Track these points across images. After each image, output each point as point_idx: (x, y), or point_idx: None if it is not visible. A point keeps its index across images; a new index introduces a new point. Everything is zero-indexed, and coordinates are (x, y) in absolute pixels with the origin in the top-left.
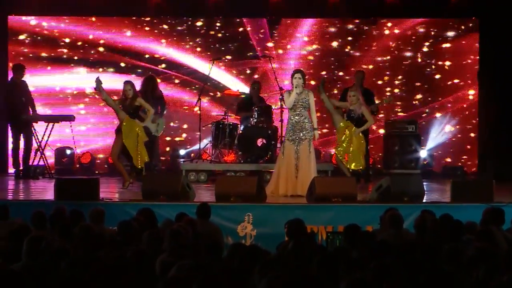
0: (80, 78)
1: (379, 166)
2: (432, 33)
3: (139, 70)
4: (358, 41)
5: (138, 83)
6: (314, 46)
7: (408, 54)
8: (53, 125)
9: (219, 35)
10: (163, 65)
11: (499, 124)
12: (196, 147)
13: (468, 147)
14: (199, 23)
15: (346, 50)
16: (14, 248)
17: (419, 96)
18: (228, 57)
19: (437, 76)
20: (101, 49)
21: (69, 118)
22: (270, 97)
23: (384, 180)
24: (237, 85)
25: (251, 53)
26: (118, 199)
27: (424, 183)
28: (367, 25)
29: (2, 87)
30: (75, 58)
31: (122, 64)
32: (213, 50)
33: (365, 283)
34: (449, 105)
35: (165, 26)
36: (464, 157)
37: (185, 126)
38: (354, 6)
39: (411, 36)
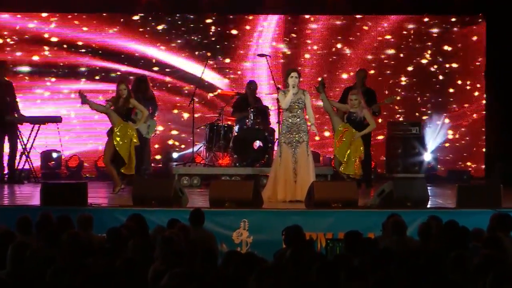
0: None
1: (381, 170)
2: (437, 30)
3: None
4: (358, 38)
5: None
6: (315, 47)
7: (412, 52)
8: (39, 127)
9: (212, 32)
10: (155, 68)
11: (507, 125)
12: (189, 150)
13: (474, 149)
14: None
15: (346, 48)
16: None
17: (422, 97)
18: (226, 59)
19: (441, 77)
20: (83, 50)
21: (56, 120)
22: (267, 97)
23: (387, 185)
24: (232, 85)
25: (259, 54)
26: (107, 205)
27: (429, 188)
28: (367, 21)
29: None
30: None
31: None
32: (207, 49)
33: None
34: (454, 106)
35: (153, 24)
36: (471, 160)
37: (176, 128)
38: (357, 2)
39: (413, 33)
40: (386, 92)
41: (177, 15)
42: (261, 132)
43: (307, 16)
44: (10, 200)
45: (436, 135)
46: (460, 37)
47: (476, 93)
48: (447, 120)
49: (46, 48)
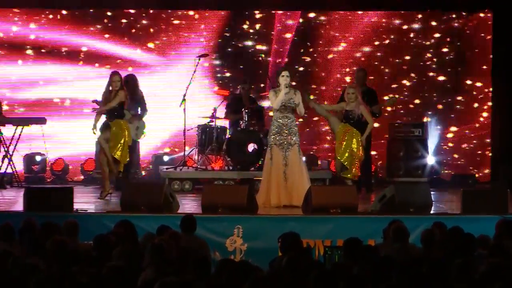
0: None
1: (382, 174)
2: (442, 26)
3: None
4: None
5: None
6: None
7: (413, 49)
8: (22, 128)
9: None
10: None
11: None
12: (181, 153)
13: (479, 152)
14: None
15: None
16: None
17: (426, 97)
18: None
19: (446, 77)
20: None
21: (40, 121)
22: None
23: (388, 189)
24: (226, 84)
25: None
26: (94, 211)
27: (432, 193)
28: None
29: None
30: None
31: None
32: (199, 45)
33: None
34: (457, 106)
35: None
36: (476, 164)
37: (167, 130)
38: None
39: (416, 30)
40: (387, 96)
41: (168, 11)
42: (255, 134)
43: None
44: None
45: (434, 136)
46: (465, 33)
47: (481, 96)
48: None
49: (28, 47)
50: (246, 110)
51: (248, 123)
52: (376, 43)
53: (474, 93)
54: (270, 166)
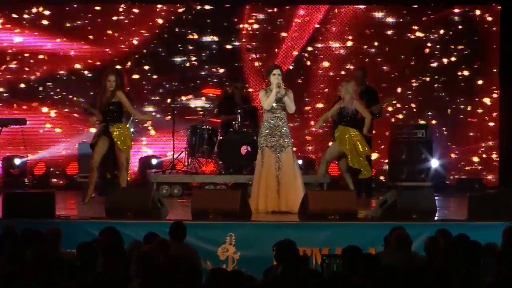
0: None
1: (383, 177)
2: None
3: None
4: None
5: None
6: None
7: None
8: (1, 129)
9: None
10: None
11: None
12: (169, 156)
13: (484, 156)
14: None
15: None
16: None
17: (429, 97)
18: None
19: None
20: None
21: (20, 122)
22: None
23: (390, 194)
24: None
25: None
26: (78, 217)
27: (436, 198)
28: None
29: None
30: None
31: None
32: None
33: None
34: (461, 106)
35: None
36: (483, 168)
37: (155, 131)
38: None
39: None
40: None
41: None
42: (249, 136)
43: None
44: None
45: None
46: (471, 31)
47: (489, 96)
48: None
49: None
50: (239, 110)
51: (241, 124)
52: (376, 42)
53: (482, 93)
54: (261, 170)
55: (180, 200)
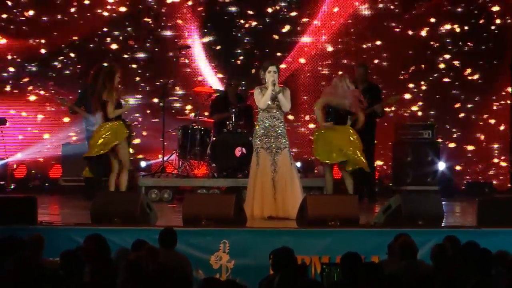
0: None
1: (387, 181)
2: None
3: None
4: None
5: None
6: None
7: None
8: None
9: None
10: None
11: None
12: (159, 158)
13: (496, 161)
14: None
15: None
16: None
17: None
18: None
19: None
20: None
21: (0, 122)
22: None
23: (394, 199)
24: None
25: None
26: (61, 223)
27: (444, 203)
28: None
29: None
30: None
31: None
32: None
33: None
34: (469, 105)
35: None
36: (494, 171)
37: (144, 132)
38: None
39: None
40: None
41: None
42: (244, 136)
43: None
44: None
45: None
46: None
47: (499, 95)
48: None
49: None
50: (233, 109)
51: (236, 124)
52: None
53: (492, 92)
54: (256, 172)
55: (170, 205)
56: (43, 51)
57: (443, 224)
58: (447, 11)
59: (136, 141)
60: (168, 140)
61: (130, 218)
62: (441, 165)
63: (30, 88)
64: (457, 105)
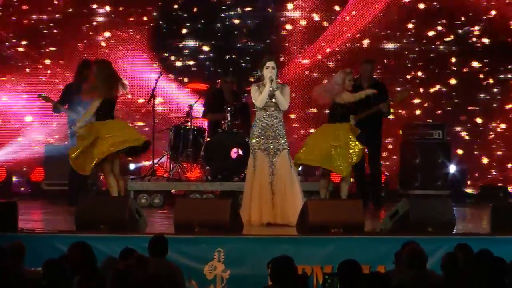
0: None
1: (393, 185)
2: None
3: None
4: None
5: None
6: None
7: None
8: None
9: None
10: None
11: None
12: (149, 160)
13: (510, 165)
14: None
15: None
16: None
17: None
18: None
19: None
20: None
21: None
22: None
23: (401, 204)
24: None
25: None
26: (44, 230)
27: (455, 208)
28: None
29: None
30: None
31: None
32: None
33: None
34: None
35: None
36: (508, 174)
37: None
38: None
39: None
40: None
41: None
42: (240, 137)
43: None
44: None
45: None
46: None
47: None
48: None
49: None
50: (229, 108)
51: (231, 124)
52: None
53: (507, 89)
54: (253, 176)
55: (161, 211)
56: None
57: (454, 231)
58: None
59: None
60: (159, 141)
61: (117, 224)
62: (452, 168)
63: None
64: (471, 107)
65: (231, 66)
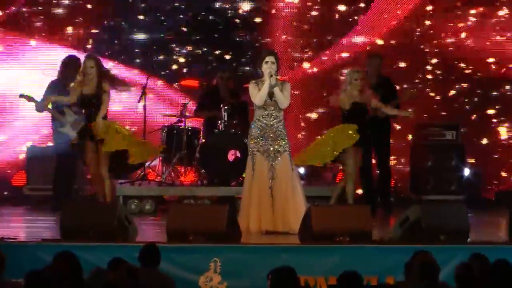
0: None
1: (404, 190)
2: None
3: None
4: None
5: None
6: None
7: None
8: None
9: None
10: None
11: None
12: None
13: None
14: None
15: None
16: None
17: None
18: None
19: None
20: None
21: None
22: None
23: (412, 211)
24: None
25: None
26: (26, 239)
27: (470, 215)
28: None
29: None
30: None
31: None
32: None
33: None
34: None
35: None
36: None
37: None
38: None
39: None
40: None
41: None
42: (238, 138)
43: None
44: None
45: None
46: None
47: None
48: None
49: None
50: (225, 107)
51: (228, 124)
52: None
53: None
54: (252, 180)
55: (152, 218)
56: None
57: (469, 240)
58: None
59: None
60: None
61: (106, 232)
62: (467, 171)
63: None
64: (490, 110)
65: (227, 61)
